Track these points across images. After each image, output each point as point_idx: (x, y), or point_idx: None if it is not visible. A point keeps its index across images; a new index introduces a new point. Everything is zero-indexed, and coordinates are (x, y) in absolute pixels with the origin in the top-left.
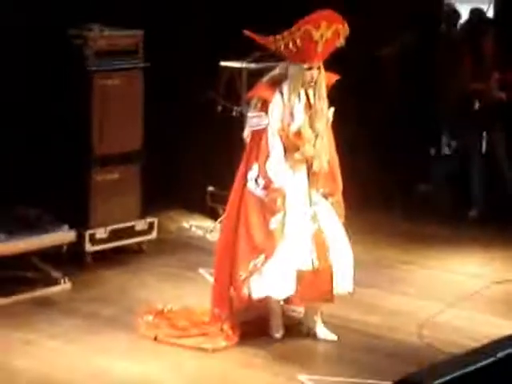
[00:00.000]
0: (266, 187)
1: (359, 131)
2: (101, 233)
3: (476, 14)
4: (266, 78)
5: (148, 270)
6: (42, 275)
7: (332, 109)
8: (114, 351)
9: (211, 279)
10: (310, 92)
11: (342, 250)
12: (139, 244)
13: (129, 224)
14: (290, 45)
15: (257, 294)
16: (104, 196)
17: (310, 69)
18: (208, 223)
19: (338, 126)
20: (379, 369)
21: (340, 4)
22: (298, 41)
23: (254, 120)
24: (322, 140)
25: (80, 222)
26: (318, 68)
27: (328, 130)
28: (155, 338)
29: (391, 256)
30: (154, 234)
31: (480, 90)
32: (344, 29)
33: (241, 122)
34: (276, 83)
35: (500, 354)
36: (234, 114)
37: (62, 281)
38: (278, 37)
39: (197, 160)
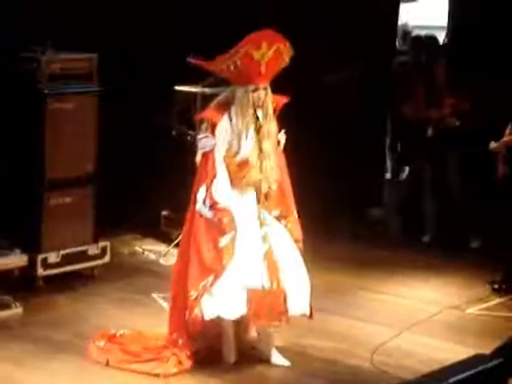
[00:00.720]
0: (212, 207)
1: (310, 157)
2: (53, 257)
3: (428, 41)
4: (213, 103)
5: (100, 294)
6: None
7: (283, 132)
8: (65, 376)
9: (164, 303)
10: (259, 112)
11: (296, 271)
12: (92, 268)
13: (81, 248)
14: (232, 67)
15: (208, 315)
16: (56, 220)
17: (256, 90)
18: (161, 247)
19: (290, 151)
20: None
21: (289, 29)
22: (239, 62)
23: (201, 141)
24: (269, 160)
25: (32, 246)
26: (265, 89)
27: (279, 152)
28: (107, 363)
29: (344, 281)
30: (106, 259)
31: (433, 116)
32: (286, 48)
33: (195, 146)
34: (223, 106)
35: (452, 380)
36: (188, 138)
37: (14, 305)
38: (217, 60)
39: (151, 184)
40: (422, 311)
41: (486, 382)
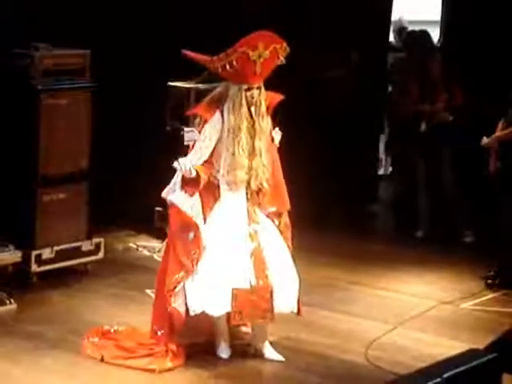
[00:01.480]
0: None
1: (304, 153)
2: (47, 253)
3: (421, 36)
4: (208, 97)
5: (94, 290)
6: None
7: (277, 129)
8: (59, 372)
9: None
10: (252, 110)
11: (284, 269)
12: (85, 264)
13: (75, 244)
14: (228, 67)
15: (193, 310)
16: (50, 216)
17: (249, 89)
18: (155, 243)
19: (285, 147)
20: None
21: (282, 27)
22: (235, 62)
23: (187, 135)
24: (260, 158)
25: (26, 242)
26: (259, 88)
27: (273, 149)
28: (101, 359)
29: (338, 276)
30: (100, 255)
31: (426, 111)
32: (283, 47)
33: None
34: (217, 102)
35: (446, 375)
36: (181, 133)
37: (7, 301)
38: (214, 58)
39: (145, 180)
40: (416, 306)
41: (480, 377)
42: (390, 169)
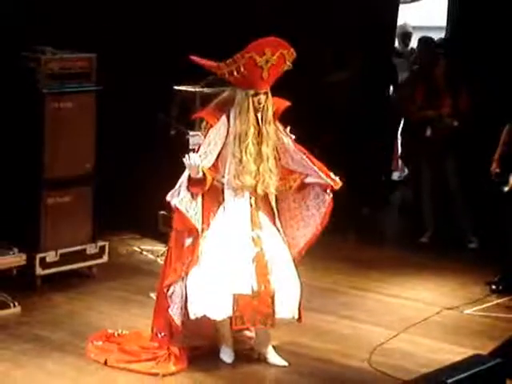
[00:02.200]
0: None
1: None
2: (51, 256)
3: (425, 42)
4: (214, 101)
5: (98, 294)
6: None
7: (288, 129)
8: (63, 376)
9: None
10: (259, 116)
11: (286, 275)
12: (90, 268)
13: (80, 248)
14: (235, 72)
15: (194, 313)
16: (55, 219)
17: (256, 94)
18: (159, 247)
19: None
20: None
21: (289, 31)
22: (242, 68)
23: (191, 139)
24: (267, 163)
25: (31, 245)
26: (266, 93)
27: (296, 147)
28: (105, 363)
29: (342, 281)
30: (105, 258)
31: (431, 116)
32: (290, 52)
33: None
34: (223, 107)
35: (450, 380)
36: (187, 137)
37: (12, 304)
38: (221, 64)
39: (149, 184)
40: (420, 312)
41: (484, 383)
42: (405, 173)
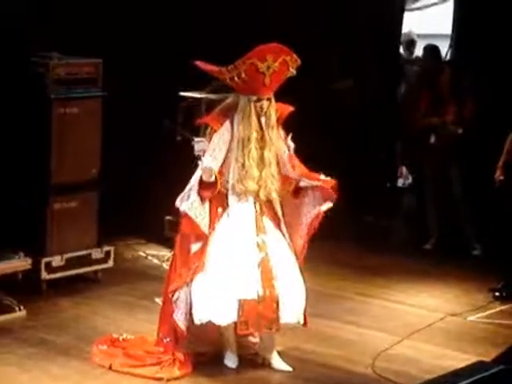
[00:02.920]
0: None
1: (316, 162)
2: (57, 261)
3: (429, 50)
4: (219, 107)
5: (103, 298)
6: None
7: (290, 139)
8: (68, 380)
9: None
10: (262, 121)
11: (291, 280)
12: (95, 272)
13: (85, 252)
14: (236, 78)
15: (199, 319)
16: (61, 224)
17: (259, 100)
18: (165, 252)
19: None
20: None
21: (295, 37)
22: (244, 74)
23: (196, 145)
24: (269, 169)
25: (36, 250)
26: (268, 99)
27: (291, 156)
28: (110, 367)
29: (347, 287)
30: (110, 263)
31: (435, 123)
32: (293, 59)
33: None
34: (226, 112)
35: None
36: (192, 144)
37: (17, 308)
38: (223, 69)
39: (155, 189)
40: (424, 318)
41: None
42: (410, 180)
